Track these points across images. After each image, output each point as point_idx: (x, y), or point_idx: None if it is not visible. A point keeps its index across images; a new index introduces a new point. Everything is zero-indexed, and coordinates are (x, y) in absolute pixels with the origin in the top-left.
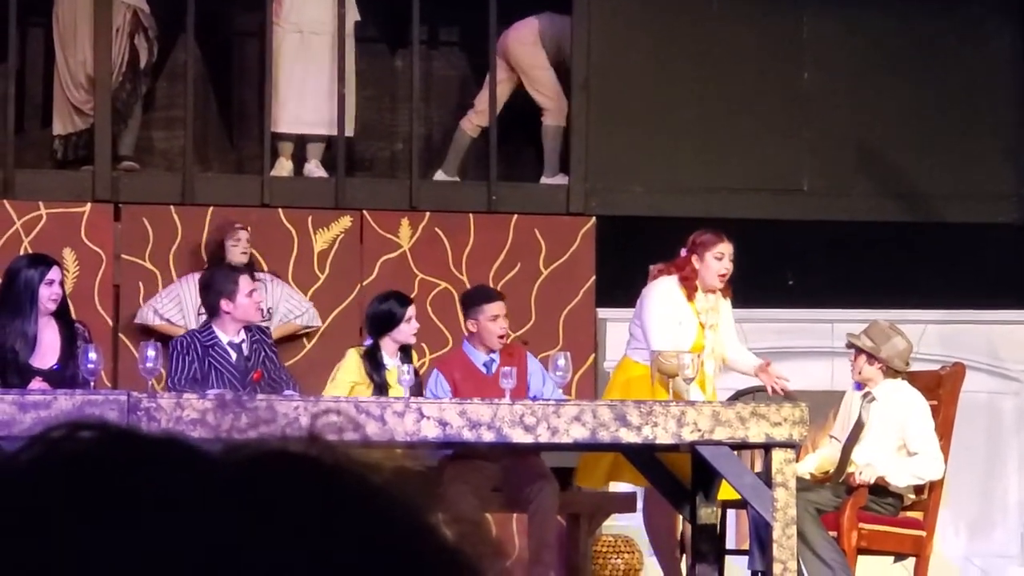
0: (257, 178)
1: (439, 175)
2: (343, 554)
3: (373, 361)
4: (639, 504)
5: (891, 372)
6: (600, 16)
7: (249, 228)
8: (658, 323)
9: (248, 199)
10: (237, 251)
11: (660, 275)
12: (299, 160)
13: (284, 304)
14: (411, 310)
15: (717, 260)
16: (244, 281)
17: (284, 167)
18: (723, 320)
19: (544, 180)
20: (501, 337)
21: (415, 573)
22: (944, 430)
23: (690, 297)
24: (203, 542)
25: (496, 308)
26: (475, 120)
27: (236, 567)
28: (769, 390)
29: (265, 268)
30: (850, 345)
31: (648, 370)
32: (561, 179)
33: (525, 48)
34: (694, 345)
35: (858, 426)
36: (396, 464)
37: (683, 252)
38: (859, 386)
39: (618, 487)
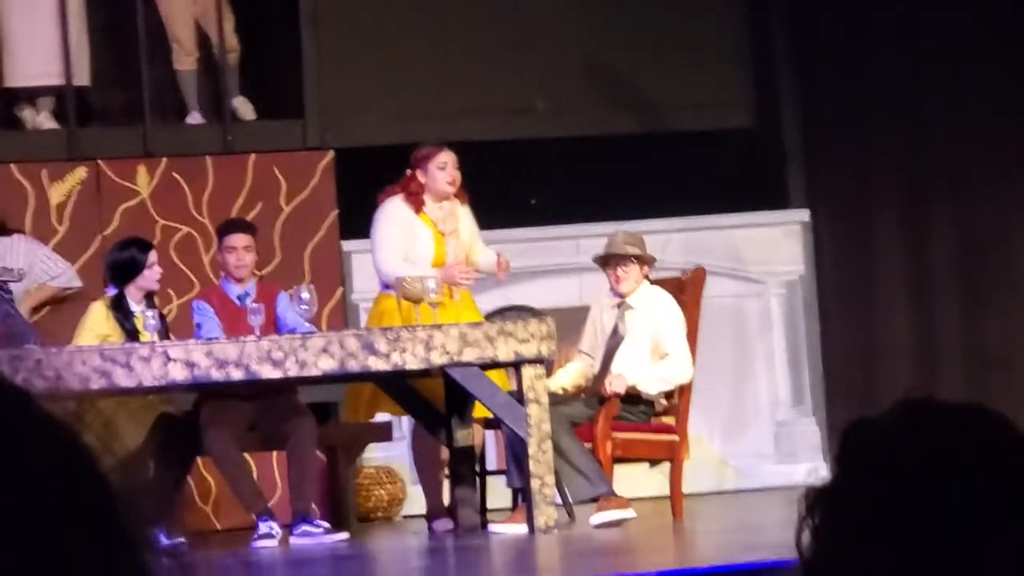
0: None
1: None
2: None
3: (120, 310)
4: (395, 433)
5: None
6: None
7: None
8: (386, 245)
9: None
10: None
11: (385, 198)
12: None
13: (39, 266)
14: (153, 255)
15: (441, 170)
16: None
17: (35, 121)
18: (463, 225)
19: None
20: (238, 268)
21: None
22: (690, 334)
23: (418, 210)
24: None
25: (235, 240)
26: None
27: None
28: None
29: (26, 229)
30: (613, 258)
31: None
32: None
33: None
34: (435, 256)
35: (618, 337)
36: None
37: (407, 172)
38: (616, 296)
39: (376, 417)
